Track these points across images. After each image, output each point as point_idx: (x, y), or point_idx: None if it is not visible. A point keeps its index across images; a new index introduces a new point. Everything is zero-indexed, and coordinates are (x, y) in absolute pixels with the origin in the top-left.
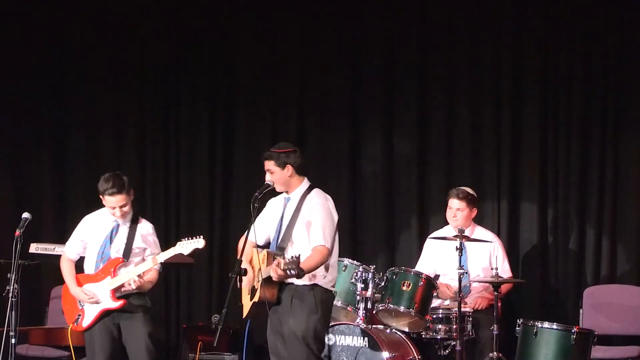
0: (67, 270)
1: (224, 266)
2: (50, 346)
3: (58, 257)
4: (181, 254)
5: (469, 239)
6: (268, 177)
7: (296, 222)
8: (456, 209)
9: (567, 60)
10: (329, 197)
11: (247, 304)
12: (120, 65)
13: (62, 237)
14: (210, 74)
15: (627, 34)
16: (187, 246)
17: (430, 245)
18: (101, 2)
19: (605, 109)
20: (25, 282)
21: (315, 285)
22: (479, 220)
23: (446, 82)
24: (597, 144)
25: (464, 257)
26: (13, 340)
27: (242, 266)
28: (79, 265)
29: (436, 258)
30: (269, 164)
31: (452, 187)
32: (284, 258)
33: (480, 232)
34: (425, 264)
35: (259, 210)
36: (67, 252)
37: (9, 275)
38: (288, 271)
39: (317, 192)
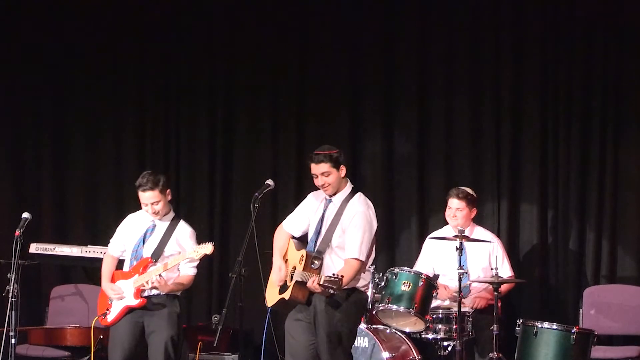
0: (104, 266)
1: (224, 266)
2: (50, 346)
3: (58, 257)
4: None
5: (468, 239)
6: (321, 181)
7: (336, 228)
8: (456, 208)
9: (567, 60)
10: (370, 203)
11: (274, 294)
12: (120, 65)
13: (62, 237)
14: (210, 74)
15: (627, 33)
16: (198, 251)
17: (429, 245)
18: (102, 2)
19: (605, 108)
20: (25, 282)
21: (353, 289)
22: (478, 221)
23: (446, 82)
24: (597, 144)
25: (464, 257)
26: (13, 340)
27: (276, 259)
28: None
29: (435, 258)
30: (324, 167)
31: (452, 187)
32: (318, 269)
33: (479, 232)
34: (425, 264)
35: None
36: (110, 249)
37: (9, 275)
38: (327, 289)
39: (359, 198)
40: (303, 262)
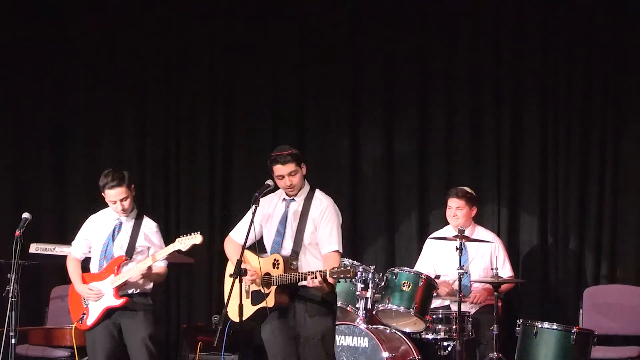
0: (72, 269)
1: (224, 266)
2: (50, 346)
3: (58, 257)
4: (181, 253)
5: (469, 239)
6: (288, 182)
7: (306, 225)
8: (456, 207)
9: (567, 61)
10: (330, 197)
11: (246, 307)
12: (120, 65)
13: (62, 237)
14: (210, 74)
15: (628, 32)
16: (185, 242)
17: (430, 245)
18: (102, 2)
19: (605, 107)
20: (25, 282)
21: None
22: (479, 221)
23: (446, 82)
24: (597, 143)
25: (464, 257)
26: (13, 340)
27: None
28: (85, 265)
29: (436, 258)
30: (291, 167)
31: (451, 187)
32: (296, 269)
33: (480, 232)
34: (425, 264)
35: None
36: (73, 251)
37: (9, 275)
38: (342, 280)
39: (322, 193)
40: (280, 266)
